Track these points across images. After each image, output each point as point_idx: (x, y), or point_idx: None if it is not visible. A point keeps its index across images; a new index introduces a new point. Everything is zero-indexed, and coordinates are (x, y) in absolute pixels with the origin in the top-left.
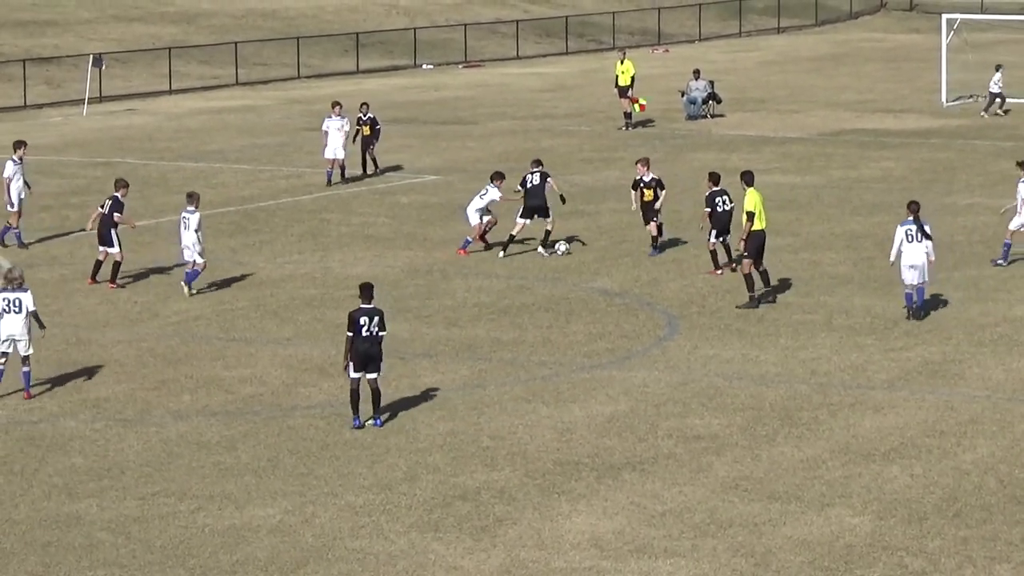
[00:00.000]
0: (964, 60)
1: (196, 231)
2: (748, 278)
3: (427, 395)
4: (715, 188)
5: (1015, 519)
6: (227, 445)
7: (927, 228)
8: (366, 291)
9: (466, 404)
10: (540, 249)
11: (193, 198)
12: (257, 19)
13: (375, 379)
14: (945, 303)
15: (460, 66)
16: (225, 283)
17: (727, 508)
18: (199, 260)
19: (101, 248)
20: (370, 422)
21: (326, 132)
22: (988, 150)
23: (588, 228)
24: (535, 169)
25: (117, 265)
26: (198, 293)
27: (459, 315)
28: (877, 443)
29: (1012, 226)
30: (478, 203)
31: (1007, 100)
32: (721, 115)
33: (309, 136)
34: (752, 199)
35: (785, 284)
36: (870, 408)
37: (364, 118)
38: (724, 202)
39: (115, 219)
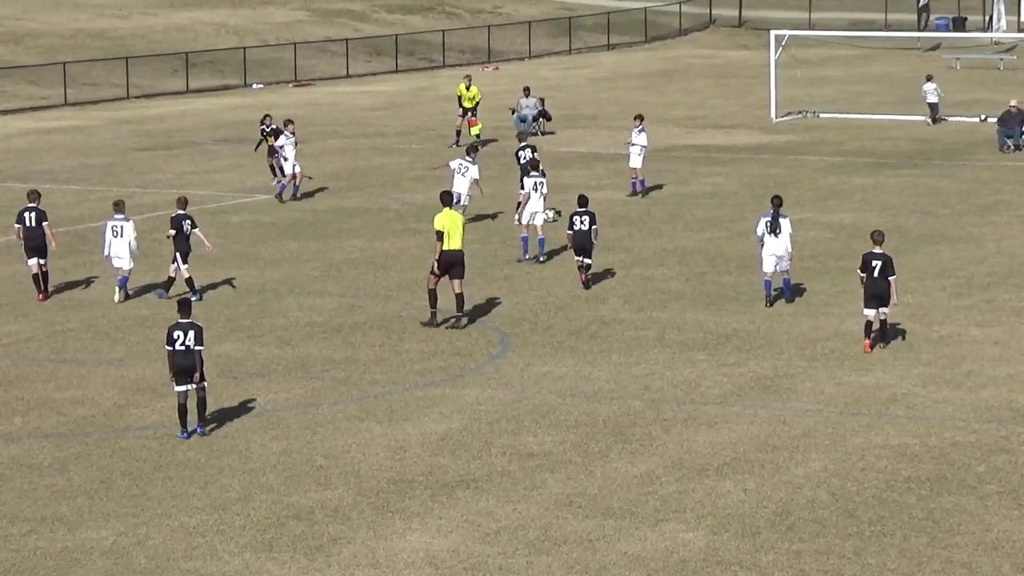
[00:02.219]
0: (793, 76)
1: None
2: (431, 293)
3: (260, 414)
4: (579, 209)
5: (847, 532)
6: (59, 467)
7: (783, 222)
8: (183, 306)
9: (299, 423)
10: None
11: (121, 206)
12: (86, 39)
13: (199, 388)
14: (777, 317)
15: (290, 85)
16: (56, 304)
17: (561, 525)
18: (128, 267)
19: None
20: (194, 430)
21: (282, 147)
22: (817, 165)
23: (420, 247)
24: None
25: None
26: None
27: (292, 334)
28: (710, 458)
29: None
30: (461, 181)
31: (939, 112)
32: (552, 132)
33: (139, 156)
34: (440, 220)
35: (617, 300)
36: (703, 423)
37: (268, 129)
38: (582, 222)
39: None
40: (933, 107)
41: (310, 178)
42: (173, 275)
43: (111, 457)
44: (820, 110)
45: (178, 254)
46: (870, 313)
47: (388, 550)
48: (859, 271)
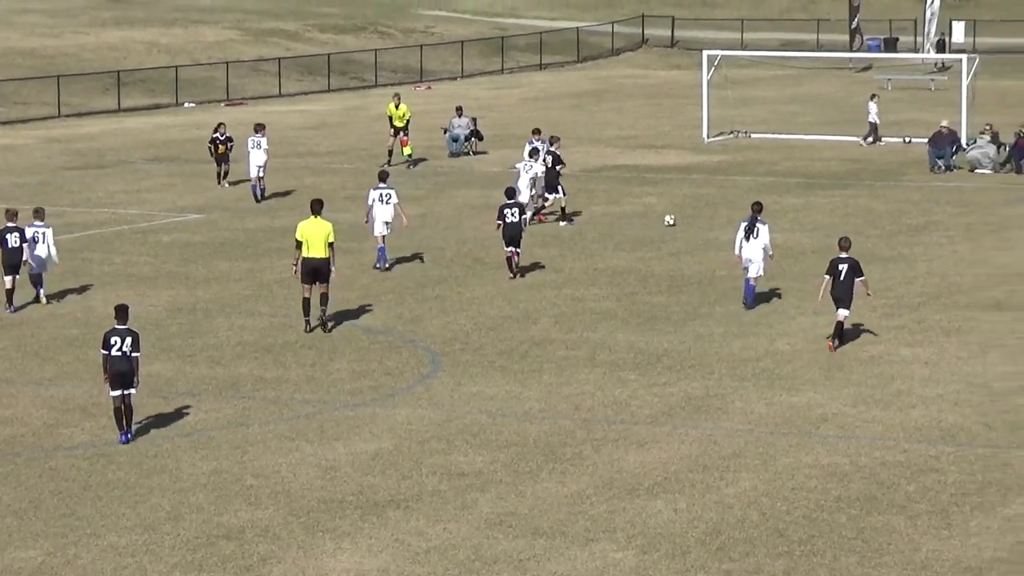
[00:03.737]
0: (725, 96)
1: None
2: (304, 302)
3: (190, 434)
4: (508, 201)
5: (777, 552)
6: None
7: (760, 227)
8: (121, 312)
9: (230, 443)
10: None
11: (40, 213)
12: (16, 57)
13: (129, 395)
14: (708, 337)
15: (222, 104)
16: None
17: (492, 545)
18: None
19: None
20: (121, 437)
21: (250, 152)
22: (749, 186)
23: (351, 266)
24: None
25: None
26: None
27: (222, 353)
28: (641, 478)
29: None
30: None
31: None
32: (484, 152)
33: (70, 175)
34: (301, 228)
35: (548, 320)
36: (634, 443)
37: (221, 138)
38: (513, 214)
39: None
40: (874, 127)
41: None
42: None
43: (40, 477)
44: (752, 130)
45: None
46: (842, 313)
47: (318, 570)
48: (825, 274)
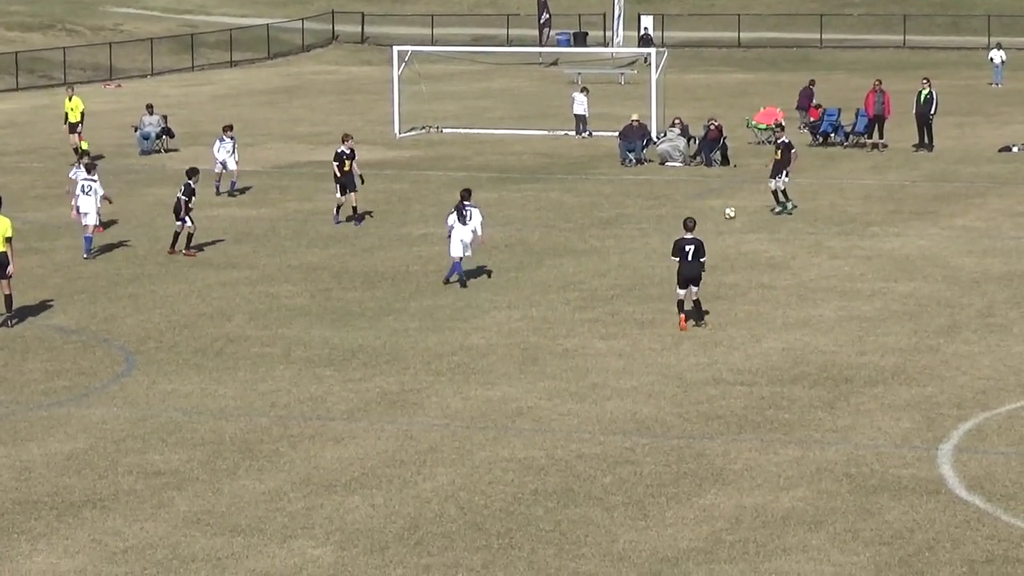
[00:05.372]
0: (416, 92)
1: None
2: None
3: None
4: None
5: (475, 545)
6: None
7: (472, 211)
8: None
9: None
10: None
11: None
12: None
13: None
14: (403, 332)
15: None
16: None
17: (189, 543)
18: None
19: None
20: None
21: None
22: (441, 180)
23: (43, 265)
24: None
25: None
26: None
27: None
28: (338, 474)
29: None
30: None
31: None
32: (175, 149)
33: None
34: None
35: (243, 317)
36: (330, 439)
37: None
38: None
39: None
40: (581, 119)
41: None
42: None
43: None
44: (444, 125)
45: None
46: (682, 292)
47: (13, 572)
48: (672, 256)
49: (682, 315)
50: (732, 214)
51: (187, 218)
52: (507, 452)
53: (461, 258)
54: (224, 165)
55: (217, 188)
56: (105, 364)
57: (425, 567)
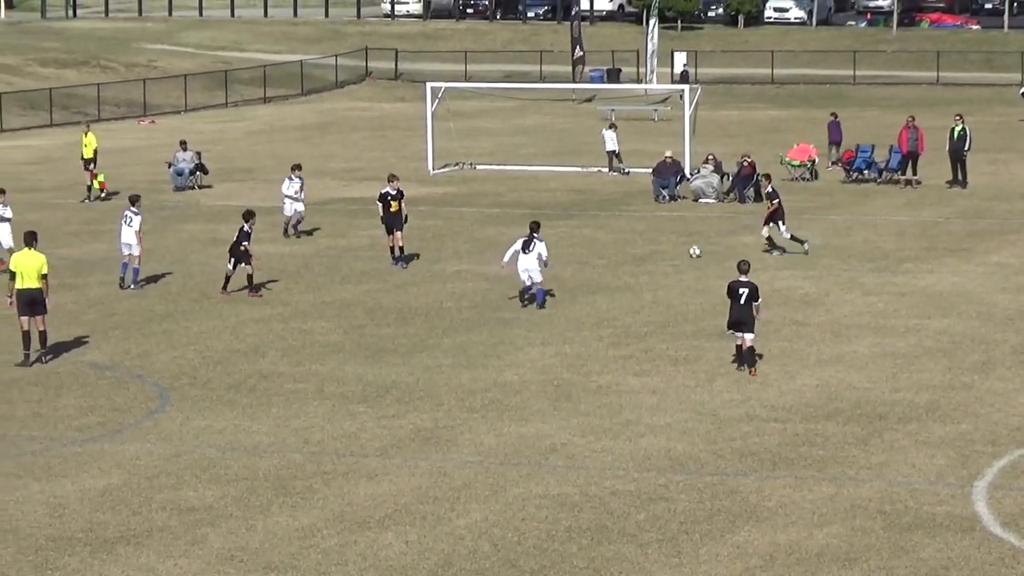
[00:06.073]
0: (449, 128)
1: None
2: (24, 335)
3: None
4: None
5: None
6: None
7: (537, 243)
8: None
9: None
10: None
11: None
12: None
13: None
14: (436, 369)
15: None
16: None
17: None
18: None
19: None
20: None
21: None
22: (475, 217)
23: (77, 301)
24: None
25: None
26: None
27: None
28: (372, 510)
29: None
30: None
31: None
32: (209, 186)
33: None
34: (14, 259)
35: (276, 353)
36: (364, 476)
37: None
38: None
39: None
40: (612, 155)
41: None
42: None
43: None
44: (477, 162)
45: None
46: (738, 336)
47: None
48: (727, 296)
49: (750, 369)
50: (698, 252)
51: (244, 261)
52: (541, 489)
53: (539, 283)
54: (292, 201)
55: (286, 228)
56: (139, 400)
57: None
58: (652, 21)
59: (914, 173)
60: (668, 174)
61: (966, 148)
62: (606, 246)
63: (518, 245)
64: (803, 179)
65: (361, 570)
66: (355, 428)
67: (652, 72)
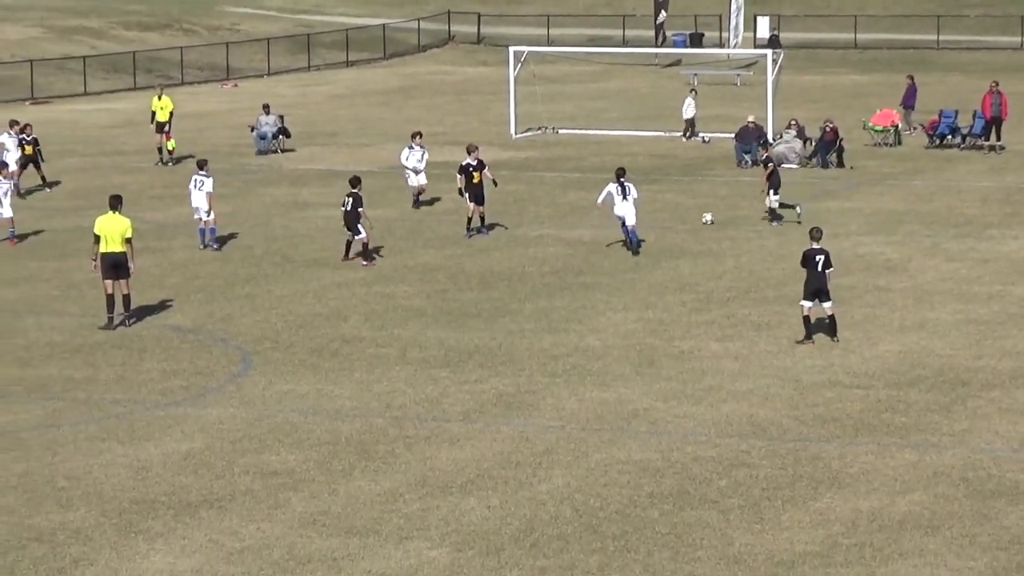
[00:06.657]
0: (532, 92)
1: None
2: (108, 298)
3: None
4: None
5: (591, 548)
6: None
7: (629, 186)
8: None
9: (40, 444)
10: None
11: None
12: None
13: None
14: (518, 334)
15: (27, 103)
16: None
17: (306, 544)
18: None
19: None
20: None
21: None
22: (557, 182)
23: (160, 264)
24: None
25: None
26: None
27: (31, 354)
28: (454, 475)
29: None
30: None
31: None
32: (291, 150)
33: None
34: (98, 223)
35: (359, 318)
36: (446, 440)
37: (27, 139)
38: (344, 204)
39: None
40: (690, 122)
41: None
42: None
43: None
44: (559, 126)
45: None
46: (807, 304)
47: (131, 571)
48: (801, 266)
49: (807, 332)
50: (710, 220)
51: (359, 227)
52: (623, 454)
53: (632, 226)
54: (415, 172)
55: (415, 200)
56: (222, 364)
57: (541, 569)
58: None
59: (998, 139)
60: (751, 139)
61: None
62: (688, 211)
63: (612, 187)
64: (886, 144)
65: (443, 535)
66: (437, 393)
67: (736, 36)
